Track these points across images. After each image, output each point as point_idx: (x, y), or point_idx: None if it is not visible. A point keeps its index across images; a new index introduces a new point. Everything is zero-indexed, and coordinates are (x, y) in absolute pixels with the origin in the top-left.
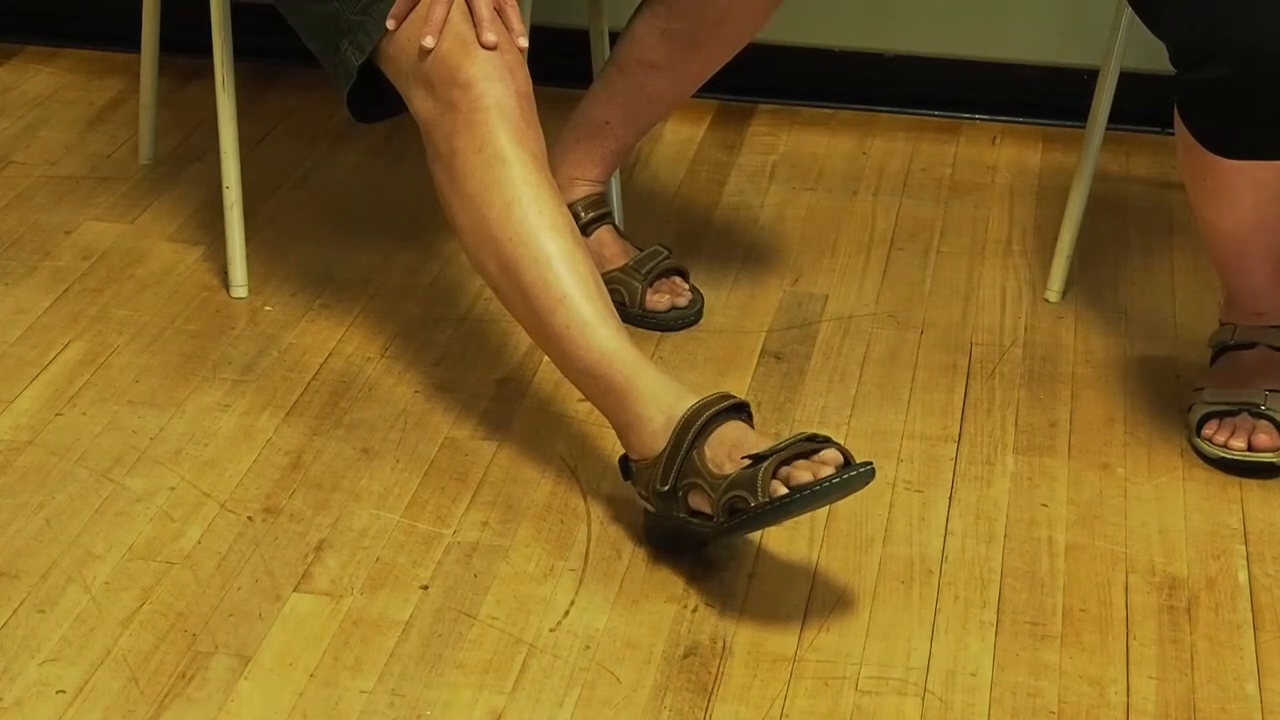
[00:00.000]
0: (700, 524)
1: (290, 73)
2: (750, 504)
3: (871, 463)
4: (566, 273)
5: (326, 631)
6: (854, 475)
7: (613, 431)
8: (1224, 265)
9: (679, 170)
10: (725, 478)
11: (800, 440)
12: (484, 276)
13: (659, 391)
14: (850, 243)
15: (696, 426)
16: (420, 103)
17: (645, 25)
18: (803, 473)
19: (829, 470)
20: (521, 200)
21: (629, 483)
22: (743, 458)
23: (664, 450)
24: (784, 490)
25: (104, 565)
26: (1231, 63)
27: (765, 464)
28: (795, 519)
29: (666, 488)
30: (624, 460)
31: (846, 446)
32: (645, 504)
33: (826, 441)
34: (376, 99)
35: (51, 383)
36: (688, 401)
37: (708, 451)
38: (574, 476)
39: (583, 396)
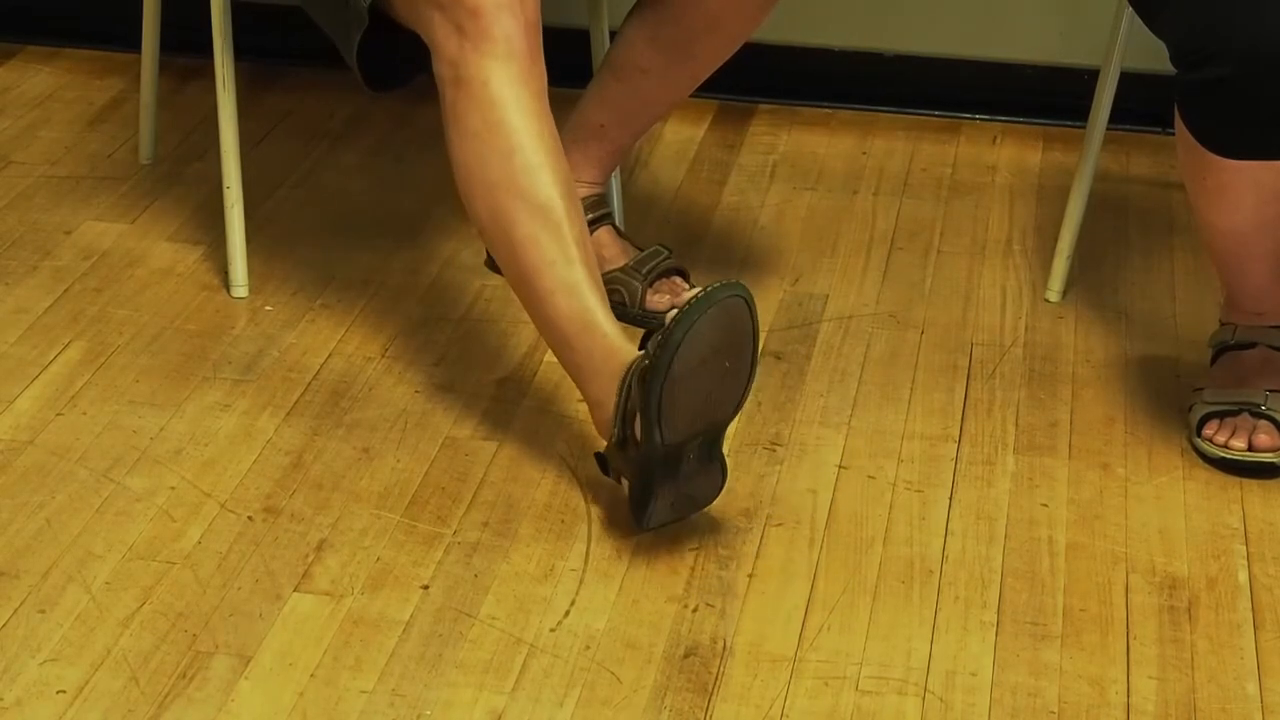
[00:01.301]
0: (644, 439)
1: (290, 72)
2: (647, 363)
3: (740, 282)
4: (561, 233)
5: (327, 631)
6: (716, 287)
7: (596, 429)
8: (1224, 265)
9: (679, 170)
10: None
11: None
12: (471, 215)
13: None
14: (850, 243)
15: (632, 374)
16: (427, 22)
17: (636, 30)
18: (670, 311)
19: (692, 293)
20: (523, 149)
21: (609, 476)
22: (640, 350)
23: (614, 408)
24: (663, 335)
25: (104, 565)
26: (1232, 62)
27: (655, 334)
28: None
29: (617, 436)
30: (600, 455)
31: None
32: (624, 485)
33: None
34: (388, 70)
35: (52, 383)
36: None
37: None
38: (574, 476)
39: (584, 397)
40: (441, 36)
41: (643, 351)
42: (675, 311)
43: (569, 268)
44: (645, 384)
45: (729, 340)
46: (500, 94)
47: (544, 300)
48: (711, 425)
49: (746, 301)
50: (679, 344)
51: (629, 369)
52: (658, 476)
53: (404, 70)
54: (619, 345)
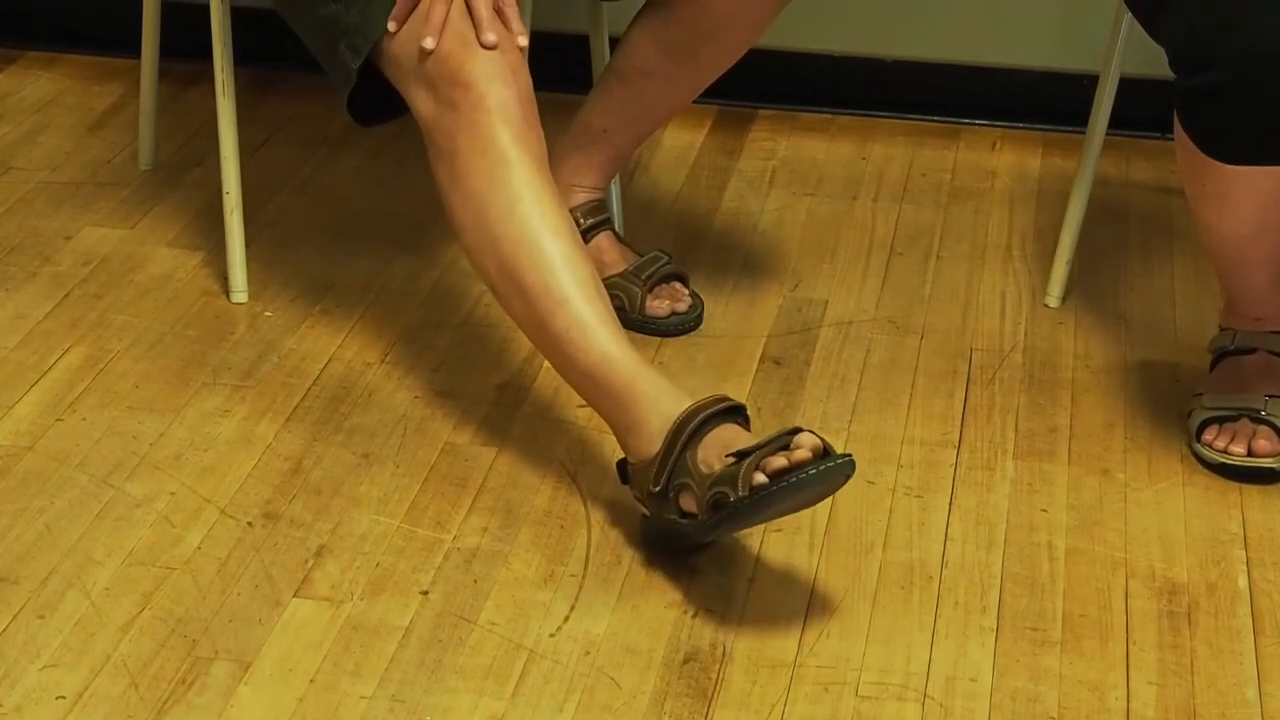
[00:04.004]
0: (688, 524)
1: (290, 78)
2: (730, 498)
3: (851, 455)
4: (567, 276)
5: (326, 637)
6: (832, 466)
7: (613, 436)
8: (1224, 270)
9: (679, 176)
10: (712, 475)
11: (785, 434)
12: (483, 276)
13: (657, 395)
14: (850, 248)
15: (690, 428)
16: (422, 102)
17: (642, 34)
18: (778, 459)
19: (804, 453)
20: (523, 201)
21: (627, 486)
22: (727, 455)
23: (658, 452)
24: (763, 479)
25: (104, 571)
26: (1231, 67)
27: (749, 459)
28: (784, 520)
29: (658, 489)
30: (622, 464)
31: (846, 451)
32: (642, 507)
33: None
34: (376, 101)
35: (51, 388)
36: (684, 405)
37: (699, 453)
38: (574, 482)
39: (582, 402)
40: (435, 116)
41: (732, 462)
42: (782, 462)
43: (580, 306)
44: (718, 509)
45: (816, 498)
46: (500, 154)
47: (561, 341)
48: None
49: (849, 476)
50: (769, 505)
51: (682, 426)
52: (687, 544)
53: (394, 105)
54: (641, 375)
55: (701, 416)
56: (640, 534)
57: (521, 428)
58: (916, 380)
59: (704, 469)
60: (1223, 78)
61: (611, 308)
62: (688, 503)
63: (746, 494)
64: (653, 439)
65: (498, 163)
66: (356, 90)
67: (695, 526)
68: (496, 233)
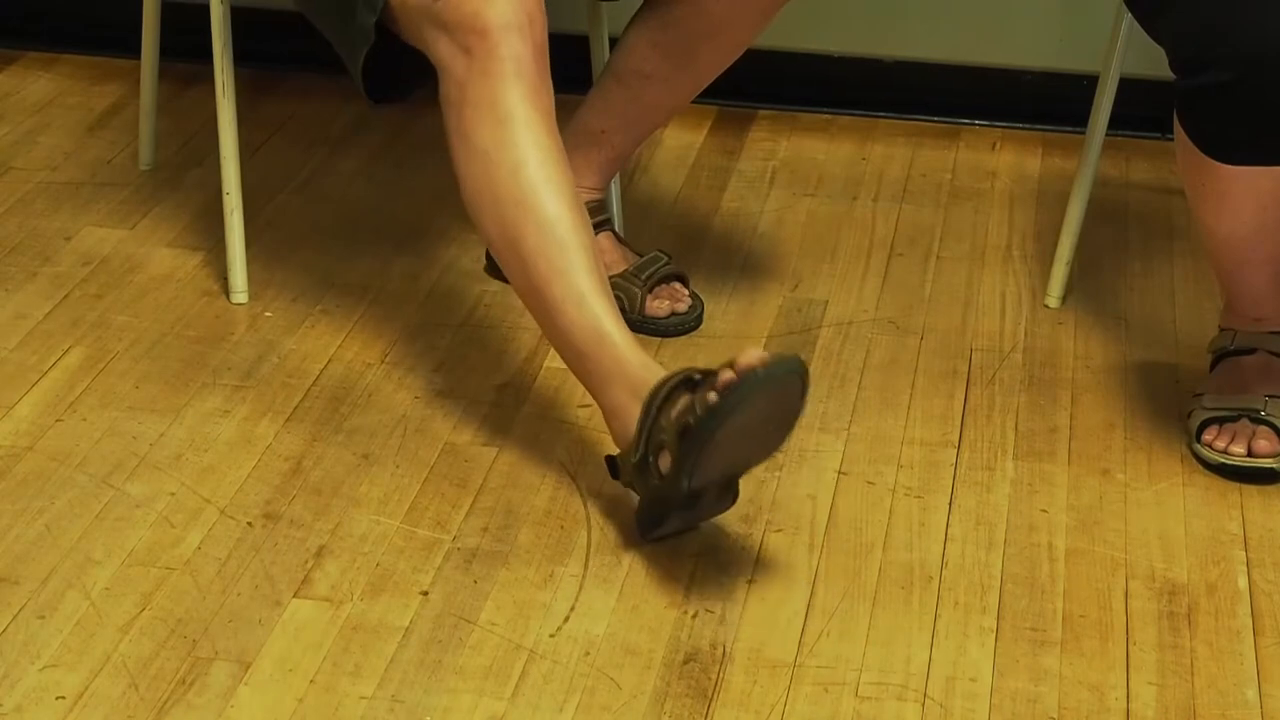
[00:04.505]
0: (668, 480)
1: (290, 78)
2: (692, 422)
3: (798, 355)
4: (569, 245)
5: (326, 637)
6: (778, 365)
7: (612, 437)
8: (1224, 271)
9: (679, 176)
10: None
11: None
12: (479, 230)
13: (646, 379)
14: (850, 248)
15: (662, 394)
16: (435, 42)
17: (639, 36)
18: (726, 372)
19: (749, 359)
20: (529, 164)
21: (618, 480)
22: (684, 394)
23: (636, 427)
24: (715, 396)
25: (104, 571)
26: (1231, 67)
27: (702, 385)
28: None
29: (638, 458)
30: (611, 461)
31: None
32: (634, 493)
33: None
34: (390, 83)
35: (51, 388)
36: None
37: (671, 412)
38: (574, 482)
39: (583, 402)
40: (448, 58)
41: (688, 396)
42: (730, 375)
43: (578, 277)
44: (684, 438)
45: (777, 414)
46: (508, 112)
47: (555, 310)
48: (739, 472)
49: (802, 379)
50: (729, 414)
51: (656, 392)
52: (675, 508)
53: (405, 83)
54: (630, 355)
55: (673, 382)
56: (636, 525)
57: (521, 428)
58: (916, 380)
59: (673, 418)
60: (1223, 78)
61: (607, 281)
62: (665, 462)
63: (704, 413)
64: (635, 421)
65: (506, 119)
66: (368, 70)
67: (672, 474)
68: (500, 192)
